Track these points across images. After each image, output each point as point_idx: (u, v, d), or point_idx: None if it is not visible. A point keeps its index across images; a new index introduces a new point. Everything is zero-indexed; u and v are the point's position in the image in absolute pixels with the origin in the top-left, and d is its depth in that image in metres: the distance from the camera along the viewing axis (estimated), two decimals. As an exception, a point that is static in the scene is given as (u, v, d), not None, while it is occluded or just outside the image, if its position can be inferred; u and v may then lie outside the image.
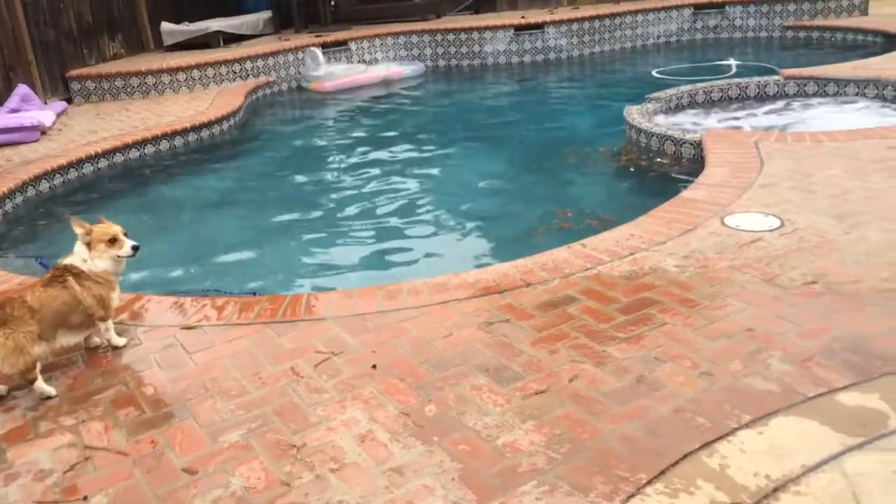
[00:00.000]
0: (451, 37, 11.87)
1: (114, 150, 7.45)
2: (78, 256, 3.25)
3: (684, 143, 5.79)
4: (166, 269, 5.08)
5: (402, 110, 9.72)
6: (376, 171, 7.08)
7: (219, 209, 6.47)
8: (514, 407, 2.71)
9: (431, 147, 7.86)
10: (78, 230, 3.24)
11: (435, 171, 7.03)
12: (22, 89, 9.08)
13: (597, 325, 3.18)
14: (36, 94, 9.37)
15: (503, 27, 11.67)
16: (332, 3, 13.31)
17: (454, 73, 11.70)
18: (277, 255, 5.35)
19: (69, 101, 10.15)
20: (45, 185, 6.73)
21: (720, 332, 3.06)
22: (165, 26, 11.92)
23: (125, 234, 3.30)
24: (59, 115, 9.14)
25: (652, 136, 6.07)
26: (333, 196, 6.47)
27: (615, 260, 3.77)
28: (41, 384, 3.06)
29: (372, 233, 5.58)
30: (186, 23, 12.15)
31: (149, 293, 4.05)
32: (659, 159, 5.96)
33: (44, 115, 8.45)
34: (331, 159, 7.71)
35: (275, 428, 2.75)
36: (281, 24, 13.36)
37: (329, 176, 7.10)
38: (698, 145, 5.63)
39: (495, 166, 6.89)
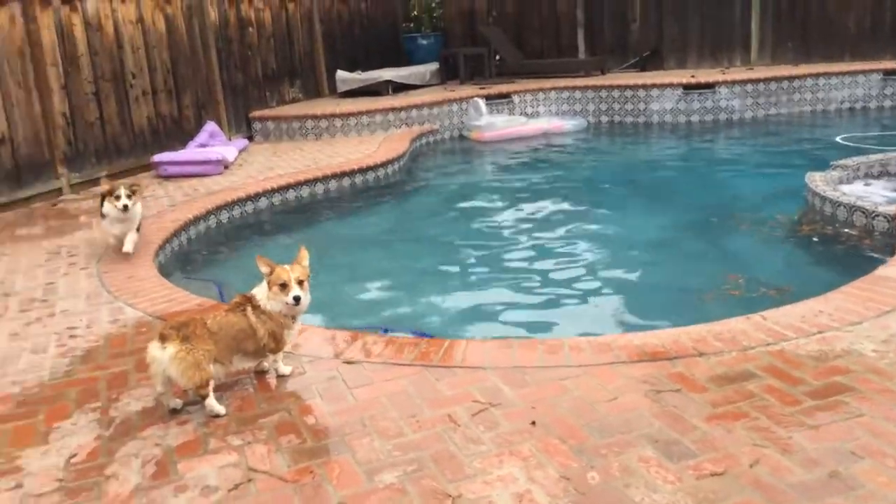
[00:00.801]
0: (615, 93, 11.75)
1: (287, 187, 7.86)
2: (260, 292, 3.39)
3: (877, 215, 5.33)
4: (328, 302, 5.22)
5: (562, 164, 9.68)
6: (532, 222, 7.04)
7: (379, 248, 6.64)
8: (687, 486, 2.51)
9: (590, 202, 7.73)
10: (263, 269, 3.36)
11: (593, 226, 6.90)
12: (210, 126, 9.86)
13: (781, 408, 2.91)
14: (222, 130, 10.14)
15: (671, 85, 11.42)
16: (498, 57, 13.60)
17: (617, 130, 11.55)
18: (431, 298, 5.39)
19: (250, 138, 10.90)
20: (224, 216, 7.19)
21: (930, 430, 2.71)
22: (340, 74, 12.60)
23: (301, 282, 3.35)
24: (240, 151, 9.81)
25: (839, 205, 5.64)
26: (488, 244, 6.48)
27: (801, 337, 3.47)
28: (212, 402, 3.19)
29: (525, 283, 5.51)
30: (359, 71, 12.80)
31: (313, 324, 4.17)
32: (846, 230, 5.51)
33: (227, 150, 9.10)
34: (487, 208, 7.76)
35: (430, 474, 2.70)
36: (447, 75, 13.79)
37: (485, 224, 7.13)
38: (894, 219, 5.16)
39: (659, 226, 6.66)
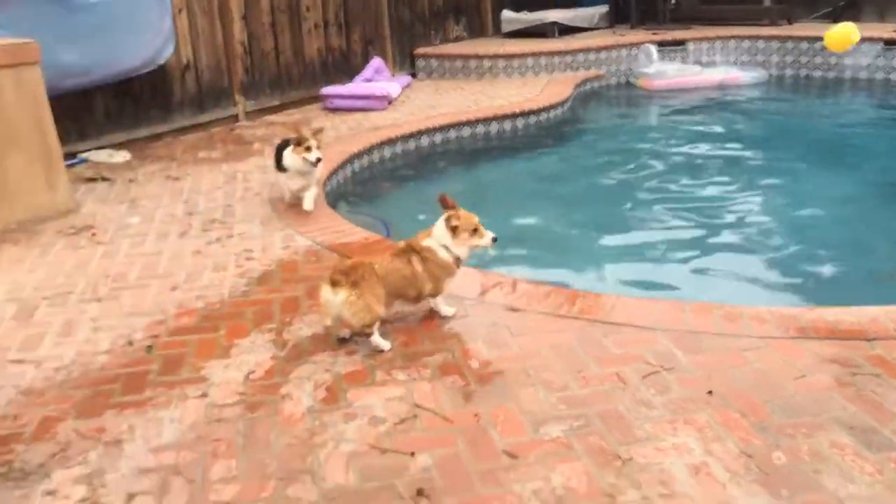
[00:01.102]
0: (803, 45, 10.78)
1: (448, 126, 7.86)
2: (437, 239, 3.37)
3: None
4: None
5: (736, 118, 9.05)
6: (699, 178, 6.65)
7: (535, 194, 6.51)
8: (889, 480, 2.29)
9: (766, 161, 7.18)
10: (449, 212, 3.35)
11: (768, 188, 6.41)
12: (376, 62, 9.97)
13: None
14: (387, 66, 10.23)
15: (870, 40, 10.30)
16: (673, 0, 12.82)
17: (802, 84, 10.63)
18: (587, 250, 5.23)
19: (413, 75, 10.95)
20: (387, 151, 7.29)
21: None
22: (506, 14, 12.34)
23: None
24: (404, 87, 9.88)
25: None
26: (650, 197, 6.19)
27: None
28: (377, 338, 3.26)
29: (690, 242, 5.22)
30: (525, 12, 12.47)
31: (471, 267, 4.12)
32: None
33: (392, 86, 9.18)
34: (651, 160, 7.39)
35: (598, 432, 2.62)
36: (617, 19, 13.18)
37: (647, 177, 6.80)
38: None
39: (844, 193, 6.09)
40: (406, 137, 7.53)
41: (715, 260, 4.96)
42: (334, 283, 3.18)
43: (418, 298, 3.45)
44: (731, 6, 12.67)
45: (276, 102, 8.85)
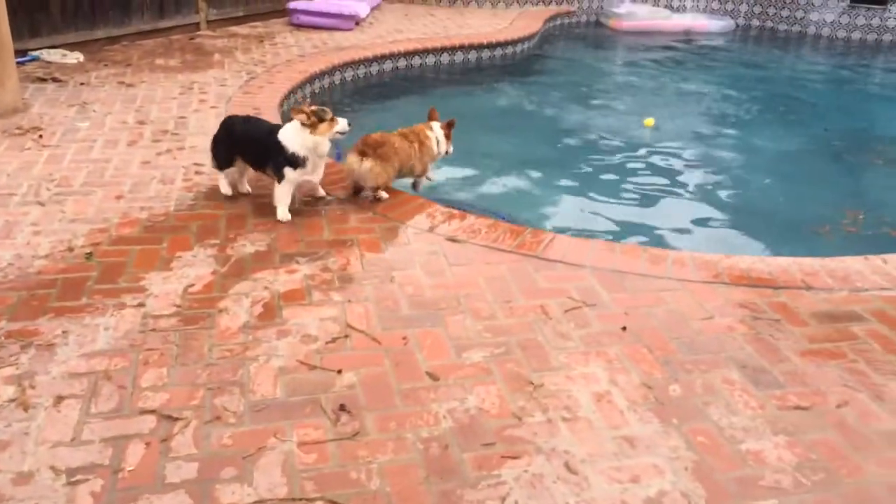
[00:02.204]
0: (772, -4, 10.85)
1: (414, 52, 7.83)
2: (436, 135, 4.31)
3: None
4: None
5: (698, 68, 9.14)
6: (654, 126, 6.77)
7: (493, 129, 6.58)
8: (768, 415, 2.51)
9: (719, 113, 7.34)
10: (442, 122, 4.39)
11: (716, 139, 6.59)
12: (346, -21, 9.75)
13: (882, 354, 2.83)
14: (357, -15, 10.01)
15: (837, -6, 10.43)
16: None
17: (767, 37, 10.73)
18: (535, 187, 5.36)
19: (383, -3, 10.75)
20: (349, 73, 7.26)
21: None
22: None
23: None
24: (373, 9, 9.73)
25: None
26: (606, 142, 6.32)
27: (922, 288, 3.30)
28: (382, 193, 4.08)
29: (632, 188, 5.41)
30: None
31: (421, 196, 4.24)
32: None
33: (360, 6, 9.03)
34: (610, 104, 7.49)
35: (516, 360, 2.79)
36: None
37: (604, 120, 6.92)
38: None
39: (786, 148, 6.31)
40: (369, 61, 7.48)
41: (651, 205, 5.15)
42: (362, 154, 3.94)
43: (412, 174, 4.30)
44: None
45: (240, 13, 8.66)
